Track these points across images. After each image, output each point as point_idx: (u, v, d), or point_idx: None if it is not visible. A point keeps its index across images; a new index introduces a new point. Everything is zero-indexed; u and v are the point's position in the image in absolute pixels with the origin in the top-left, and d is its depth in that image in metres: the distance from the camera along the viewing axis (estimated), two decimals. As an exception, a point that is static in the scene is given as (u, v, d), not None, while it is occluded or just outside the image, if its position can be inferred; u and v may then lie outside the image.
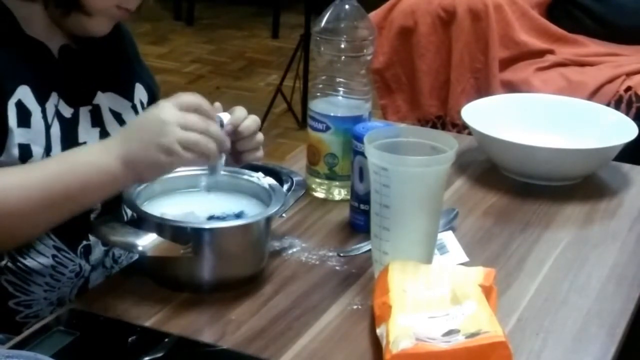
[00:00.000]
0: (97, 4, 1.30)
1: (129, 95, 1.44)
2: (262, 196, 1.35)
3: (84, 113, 1.37)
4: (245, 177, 1.37)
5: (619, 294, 1.33)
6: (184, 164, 1.24)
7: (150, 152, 1.21)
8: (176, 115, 1.21)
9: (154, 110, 1.25)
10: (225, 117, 1.31)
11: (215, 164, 1.29)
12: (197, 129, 1.22)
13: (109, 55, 1.43)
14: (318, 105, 1.54)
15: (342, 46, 1.52)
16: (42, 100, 1.31)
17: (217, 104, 1.34)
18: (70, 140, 1.33)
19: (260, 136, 1.37)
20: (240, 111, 1.35)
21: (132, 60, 1.49)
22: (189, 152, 1.21)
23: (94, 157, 1.23)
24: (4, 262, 1.32)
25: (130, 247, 1.26)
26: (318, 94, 1.54)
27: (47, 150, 1.30)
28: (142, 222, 1.27)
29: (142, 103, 1.46)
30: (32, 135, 1.29)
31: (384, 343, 1.10)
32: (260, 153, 1.39)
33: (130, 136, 1.24)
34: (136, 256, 1.34)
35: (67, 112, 1.34)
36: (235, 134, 1.32)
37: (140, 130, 1.24)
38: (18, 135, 1.27)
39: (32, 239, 1.31)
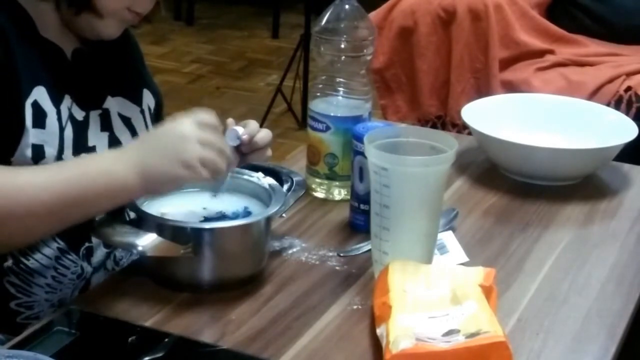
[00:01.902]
0: (108, 5, 1.31)
1: (137, 100, 1.45)
2: (262, 196, 1.35)
3: (94, 117, 1.37)
4: (245, 177, 1.37)
5: (619, 294, 1.33)
6: (198, 180, 1.25)
7: (170, 166, 1.22)
8: (196, 132, 1.23)
9: (173, 125, 1.25)
10: (240, 130, 1.34)
11: (221, 183, 1.31)
12: (213, 147, 1.23)
13: (119, 60, 1.44)
14: (318, 105, 1.54)
15: (342, 46, 1.52)
16: (56, 102, 1.31)
17: (230, 120, 1.37)
18: (80, 143, 1.34)
19: (269, 151, 1.40)
20: (254, 124, 1.38)
21: (139, 66, 1.50)
22: (205, 169, 1.22)
23: (110, 166, 1.23)
24: (6, 264, 1.32)
25: (130, 247, 1.26)
26: (318, 94, 1.54)
27: (60, 153, 1.30)
28: (142, 222, 1.27)
29: (149, 108, 1.46)
30: (46, 137, 1.29)
31: (384, 343, 1.10)
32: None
33: (149, 148, 1.24)
34: (137, 257, 1.34)
35: (79, 115, 1.35)
36: (250, 145, 1.35)
37: (160, 143, 1.24)
38: (32, 136, 1.27)
39: (40, 240, 1.30)
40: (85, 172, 1.23)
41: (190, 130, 1.23)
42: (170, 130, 1.25)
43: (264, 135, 1.38)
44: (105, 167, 1.23)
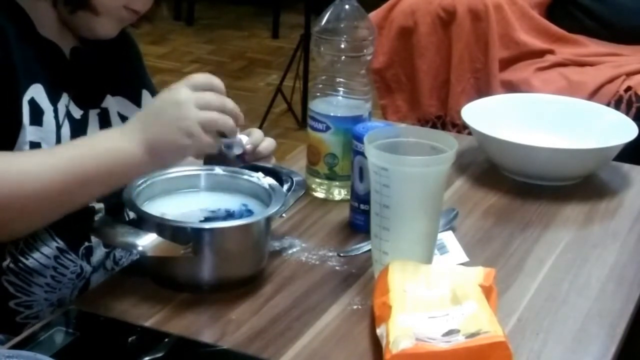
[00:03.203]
0: (105, 2, 1.31)
1: (136, 100, 1.45)
2: (262, 196, 1.35)
3: (93, 115, 1.37)
4: (245, 177, 1.37)
5: (619, 294, 1.33)
6: (205, 147, 1.25)
7: (171, 135, 1.22)
8: (192, 96, 1.23)
9: (168, 94, 1.25)
10: (244, 138, 1.35)
11: (232, 142, 1.31)
12: (213, 107, 1.23)
13: (118, 60, 1.44)
14: (318, 105, 1.54)
15: (342, 46, 1.52)
16: (54, 100, 1.31)
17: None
18: None
19: (273, 160, 1.41)
20: (258, 132, 1.40)
21: (138, 67, 1.51)
22: (209, 133, 1.22)
23: (114, 143, 1.23)
24: (5, 263, 1.32)
25: (130, 247, 1.26)
26: (318, 94, 1.54)
27: None
28: (142, 222, 1.27)
29: None
30: (44, 134, 1.29)
31: (384, 343, 1.10)
32: None
33: (149, 121, 1.24)
34: (137, 257, 1.34)
35: (77, 113, 1.35)
36: (254, 154, 1.35)
37: (159, 114, 1.24)
38: (30, 133, 1.27)
39: (48, 223, 1.29)
40: (91, 150, 1.23)
41: (186, 96, 1.23)
42: (166, 99, 1.25)
43: (267, 144, 1.39)
44: (110, 143, 1.23)
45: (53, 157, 1.22)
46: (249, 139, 1.37)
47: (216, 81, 1.27)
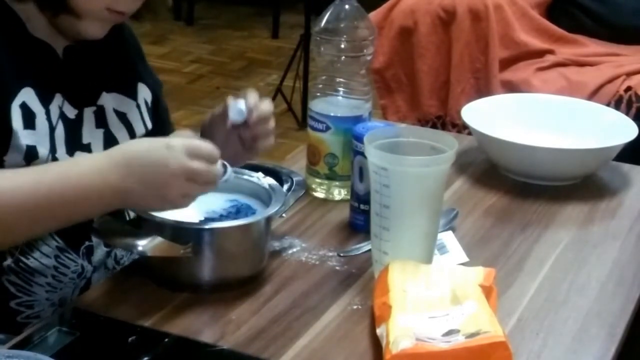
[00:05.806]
0: (85, 5, 1.29)
1: (132, 94, 1.44)
2: (262, 196, 1.35)
3: (88, 114, 1.37)
4: (245, 177, 1.37)
5: (619, 294, 1.33)
6: (177, 208, 1.26)
7: (151, 200, 1.22)
8: (184, 168, 1.20)
9: (163, 157, 1.21)
10: (242, 103, 1.34)
11: (231, 111, 1.32)
12: (199, 180, 1.22)
13: (112, 55, 1.43)
14: (318, 105, 1.54)
15: (342, 46, 1.52)
16: (46, 101, 1.30)
17: (230, 97, 1.37)
18: (74, 141, 1.33)
19: (273, 122, 1.40)
20: (253, 93, 1.38)
21: (135, 60, 1.49)
22: (187, 201, 1.24)
23: (88, 181, 1.21)
24: (6, 263, 1.32)
25: (130, 247, 1.26)
26: (318, 94, 1.54)
27: (52, 152, 1.29)
28: (143, 222, 1.27)
29: (145, 102, 1.45)
30: (37, 137, 1.28)
31: (384, 343, 1.10)
32: (272, 139, 1.41)
33: (134, 178, 1.21)
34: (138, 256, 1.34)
35: (71, 113, 1.34)
36: (257, 117, 1.36)
37: (146, 176, 1.21)
38: (23, 137, 1.27)
39: (12, 244, 1.29)
40: (59, 182, 1.21)
41: (179, 167, 1.20)
42: (159, 163, 1.21)
43: (266, 107, 1.39)
44: (82, 180, 1.22)
45: (21, 180, 1.21)
46: (247, 101, 1.36)
47: (215, 152, 1.23)
